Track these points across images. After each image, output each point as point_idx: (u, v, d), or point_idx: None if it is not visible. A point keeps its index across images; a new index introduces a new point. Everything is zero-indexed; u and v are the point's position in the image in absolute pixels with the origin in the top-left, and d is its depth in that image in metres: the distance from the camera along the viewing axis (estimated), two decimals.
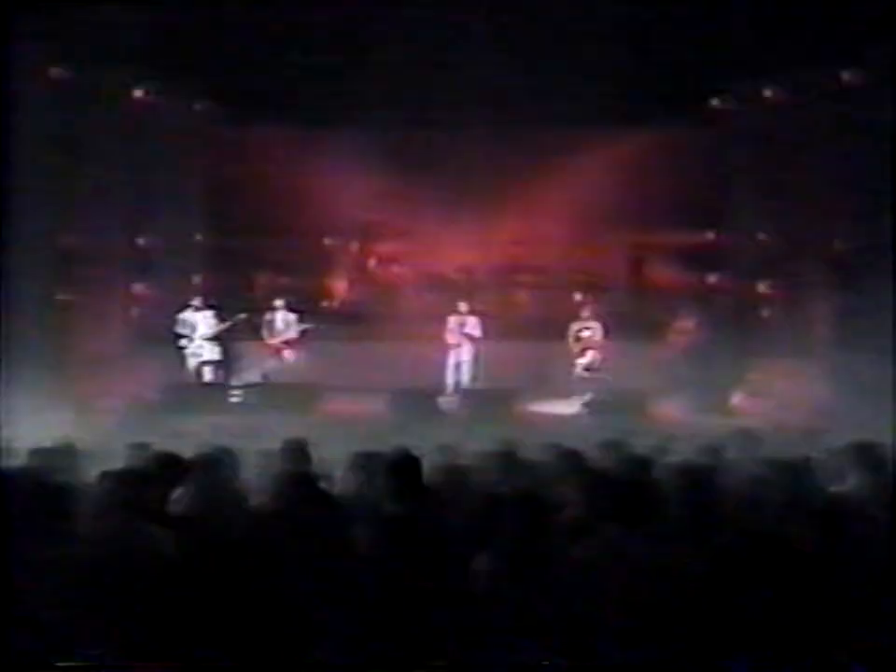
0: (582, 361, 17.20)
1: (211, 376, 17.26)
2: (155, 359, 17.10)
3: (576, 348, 17.24)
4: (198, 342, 17.09)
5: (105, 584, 4.65)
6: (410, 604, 4.72)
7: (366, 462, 7.10)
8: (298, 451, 7.58)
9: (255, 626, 4.49)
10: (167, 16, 14.44)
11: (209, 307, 17.30)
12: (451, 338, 17.25)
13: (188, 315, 17.18)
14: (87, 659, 4.44)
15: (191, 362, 17.12)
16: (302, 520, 5.42)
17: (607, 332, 17.26)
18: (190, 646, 4.42)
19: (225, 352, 17.47)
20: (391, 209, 20.15)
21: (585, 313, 17.58)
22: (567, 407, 16.53)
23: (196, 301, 17.32)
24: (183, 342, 17.08)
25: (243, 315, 17.29)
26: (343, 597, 4.70)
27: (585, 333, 17.27)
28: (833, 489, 6.81)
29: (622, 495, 5.54)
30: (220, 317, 17.23)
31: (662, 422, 14.94)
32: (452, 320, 17.31)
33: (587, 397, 16.46)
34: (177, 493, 6.42)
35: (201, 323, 17.15)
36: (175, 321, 17.17)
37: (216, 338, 17.19)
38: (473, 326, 17.24)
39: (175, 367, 17.14)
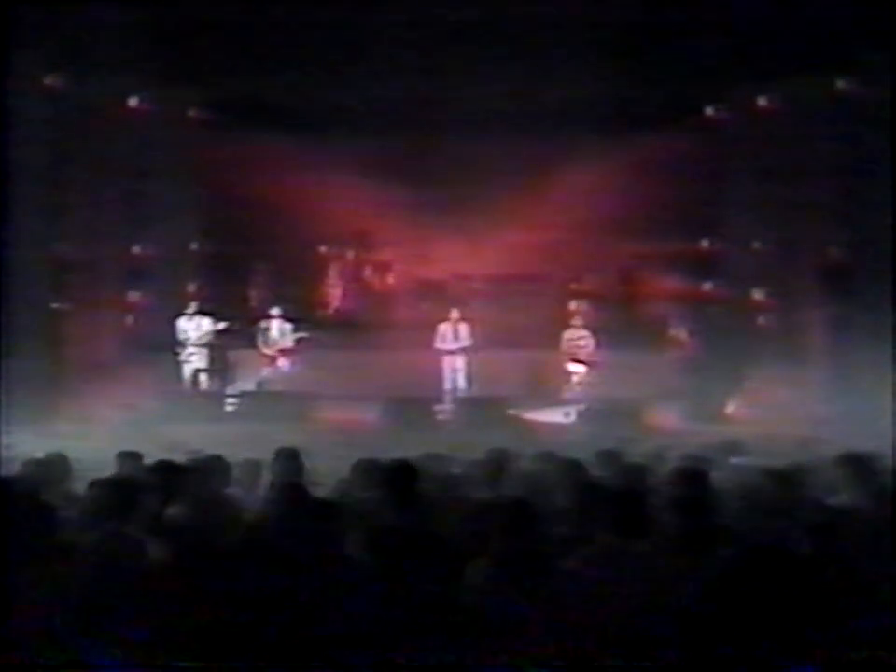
0: (575, 369, 17.23)
1: (205, 384, 17.26)
2: (151, 368, 17.08)
3: (568, 356, 17.28)
4: (190, 349, 17.09)
5: (95, 593, 4.65)
6: (403, 611, 4.72)
7: (361, 470, 7.10)
8: (290, 459, 7.57)
9: (251, 633, 4.48)
10: (163, 23, 14.46)
11: (203, 314, 17.30)
12: (442, 345, 17.26)
13: (182, 322, 17.18)
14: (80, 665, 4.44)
15: (185, 369, 17.13)
16: (296, 528, 5.41)
17: (598, 341, 17.28)
18: (184, 654, 4.42)
19: (220, 360, 17.46)
20: (386, 217, 20.15)
21: (578, 321, 17.62)
22: (562, 415, 16.52)
23: (190, 309, 17.33)
24: (177, 348, 17.08)
25: (222, 324, 17.23)
26: (337, 605, 4.69)
27: (577, 342, 17.29)
28: (827, 499, 6.81)
29: (616, 503, 5.54)
30: (214, 325, 17.21)
31: (656, 431, 14.92)
32: (443, 328, 17.33)
33: (582, 405, 16.46)
34: (170, 501, 6.40)
35: (193, 330, 17.15)
36: (170, 329, 17.18)
37: (206, 345, 17.18)
38: (463, 333, 17.25)
39: (171, 375, 17.13)
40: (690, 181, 18.80)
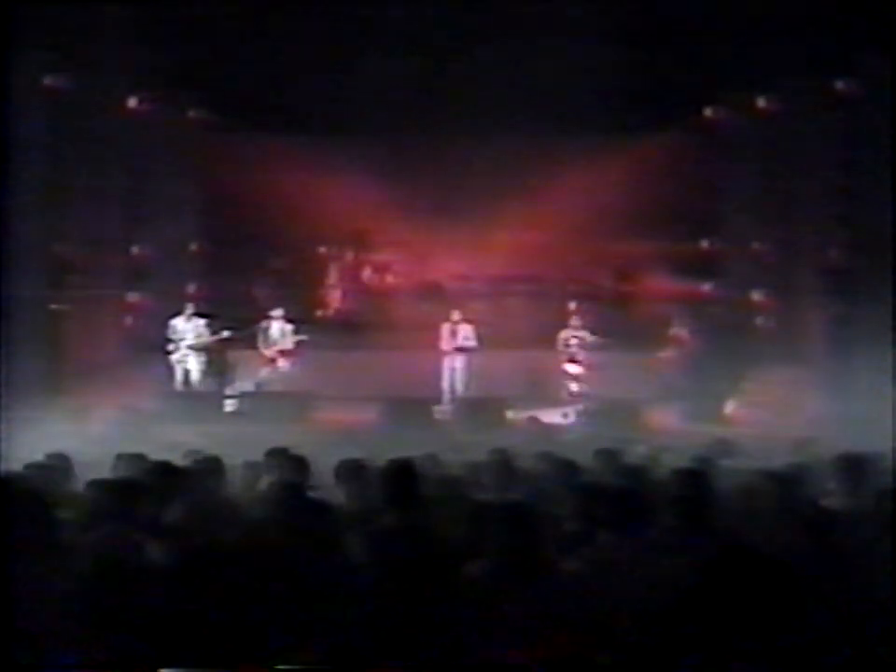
0: (572, 370, 17.23)
1: (203, 384, 17.22)
2: (150, 368, 17.08)
3: (565, 356, 17.29)
4: (184, 350, 17.04)
5: (94, 594, 4.65)
6: (402, 611, 4.72)
7: (359, 471, 7.10)
8: (283, 459, 7.56)
9: (248, 634, 4.49)
10: (163, 23, 14.48)
11: (200, 315, 17.27)
12: (445, 346, 17.26)
13: (178, 322, 17.15)
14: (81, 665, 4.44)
15: (181, 370, 17.09)
16: (294, 529, 5.42)
17: (596, 340, 17.28)
18: (183, 655, 4.42)
19: (219, 361, 17.44)
20: (385, 218, 20.16)
21: (575, 321, 17.61)
22: (560, 416, 16.52)
23: (188, 310, 17.30)
24: (170, 347, 17.03)
25: (226, 333, 17.15)
26: (335, 605, 4.69)
27: (574, 342, 17.30)
28: (825, 500, 6.80)
29: (614, 503, 5.55)
30: (211, 327, 17.16)
31: (655, 431, 14.93)
32: (445, 328, 17.33)
33: (580, 406, 16.46)
34: (169, 502, 6.40)
35: (190, 332, 17.11)
36: (168, 329, 17.17)
37: (204, 347, 17.15)
38: (467, 334, 17.25)
39: (171, 375, 17.13)
40: (690, 181, 18.80)
